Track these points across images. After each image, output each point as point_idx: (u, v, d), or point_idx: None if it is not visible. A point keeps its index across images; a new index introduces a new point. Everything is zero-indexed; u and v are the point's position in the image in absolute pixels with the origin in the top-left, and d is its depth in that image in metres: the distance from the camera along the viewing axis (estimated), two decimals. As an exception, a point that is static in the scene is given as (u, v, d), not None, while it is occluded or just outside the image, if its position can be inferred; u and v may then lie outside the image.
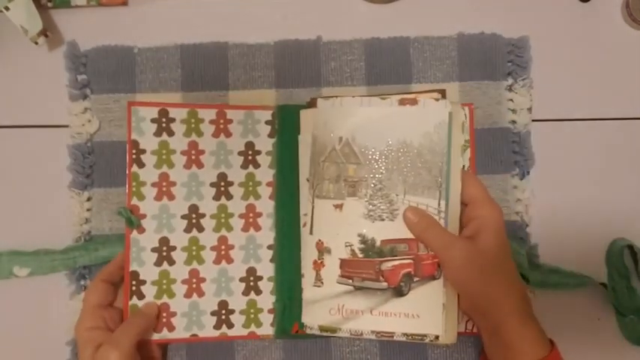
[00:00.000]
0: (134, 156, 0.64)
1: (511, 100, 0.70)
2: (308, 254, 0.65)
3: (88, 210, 0.68)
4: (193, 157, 0.65)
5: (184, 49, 0.69)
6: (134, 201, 0.64)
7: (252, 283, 0.65)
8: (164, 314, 0.64)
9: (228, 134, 0.66)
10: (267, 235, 0.66)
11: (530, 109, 0.70)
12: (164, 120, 0.65)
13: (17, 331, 0.68)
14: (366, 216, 0.62)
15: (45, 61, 0.70)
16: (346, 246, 0.62)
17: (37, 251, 0.67)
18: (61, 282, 0.68)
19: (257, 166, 0.66)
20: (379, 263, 0.61)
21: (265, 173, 0.66)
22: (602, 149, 0.71)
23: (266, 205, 0.66)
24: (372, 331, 0.62)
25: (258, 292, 0.65)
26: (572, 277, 0.69)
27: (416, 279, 0.61)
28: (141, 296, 0.63)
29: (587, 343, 0.70)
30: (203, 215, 0.65)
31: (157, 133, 0.65)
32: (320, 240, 0.63)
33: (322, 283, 0.63)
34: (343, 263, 0.62)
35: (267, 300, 0.65)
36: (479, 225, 0.59)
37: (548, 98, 0.70)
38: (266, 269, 0.66)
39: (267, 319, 0.65)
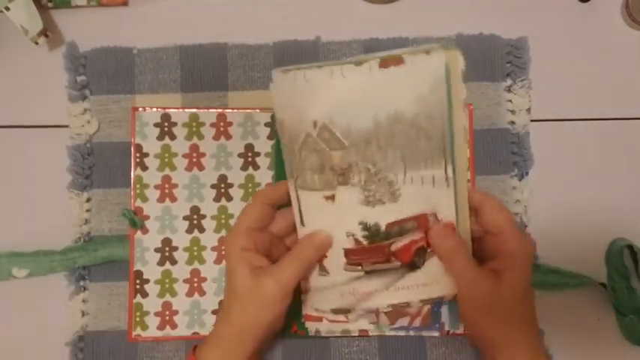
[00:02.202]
0: (138, 159, 0.75)
1: (510, 100, 0.77)
2: None
3: (87, 211, 0.76)
4: (194, 159, 0.75)
5: (184, 50, 0.77)
6: (138, 203, 0.74)
7: (252, 283, 0.75)
8: (167, 312, 0.74)
9: (229, 137, 0.75)
10: (266, 235, 0.76)
11: (529, 110, 0.77)
12: (166, 124, 0.75)
13: (16, 333, 0.75)
14: (364, 202, 0.61)
15: (45, 62, 0.77)
16: (348, 236, 0.63)
17: (36, 252, 0.74)
18: (60, 283, 0.75)
19: (256, 167, 0.76)
20: (388, 246, 0.63)
21: (264, 175, 0.75)
22: (602, 149, 0.77)
23: (265, 206, 0.76)
24: (389, 305, 0.65)
25: (258, 291, 0.75)
26: (572, 277, 0.75)
27: (429, 249, 0.64)
28: (144, 294, 0.74)
29: (587, 343, 0.76)
30: (204, 216, 0.75)
31: (160, 137, 0.75)
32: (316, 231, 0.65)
33: (327, 272, 0.66)
34: (348, 252, 0.64)
35: (266, 300, 0.75)
36: (507, 263, 0.63)
37: (548, 99, 0.77)
38: (266, 269, 0.76)
39: (266, 319, 0.75)
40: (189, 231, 0.75)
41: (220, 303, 0.74)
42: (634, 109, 0.78)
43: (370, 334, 0.74)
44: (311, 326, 0.74)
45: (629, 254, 0.77)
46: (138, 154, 0.75)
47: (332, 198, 0.62)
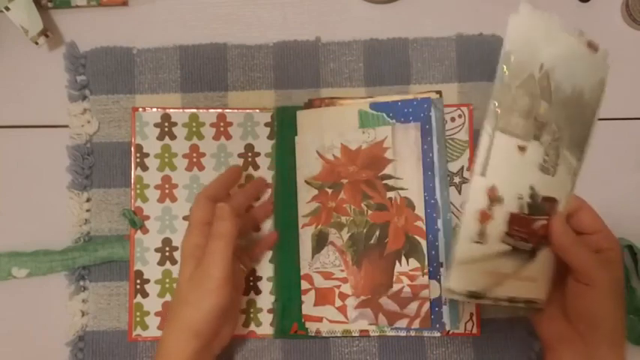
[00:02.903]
0: (138, 159, 0.75)
1: (511, 100, 0.78)
2: (474, 202, 0.60)
3: (87, 211, 0.76)
4: (194, 159, 0.76)
5: (183, 49, 0.78)
6: (138, 203, 0.75)
7: (251, 283, 0.75)
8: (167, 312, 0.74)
9: (229, 137, 0.76)
10: (266, 235, 0.77)
11: (529, 110, 0.78)
12: (166, 124, 0.76)
13: (17, 332, 0.76)
14: (541, 166, 0.61)
15: (45, 62, 0.78)
16: (518, 198, 0.60)
17: (35, 252, 0.75)
18: (60, 283, 0.75)
19: (256, 167, 0.76)
20: (533, 222, 0.62)
21: (264, 175, 0.76)
22: (602, 149, 0.76)
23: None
24: (507, 298, 0.62)
25: (258, 291, 0.75)
26: (573, 277, 0.76)
27: (543, 241, 0.63)
28: (145, 294, 0.74)
29: (587, 343, 0.78)
30: (204, 216, 0.75)
31: (160, 137, 0.76)
32: (494, 186, 0.60)
33: (486, 240, 0.60)
34: (512, 218, 0.61)
35: (266, 300, 0.75)
36: (611, 256, 0.64)
37: (548, 99, 0.79)
38: (265, 269, 0.76)
39: (266, 318, 0.75)
40: (189, 231, 0.75)
41: None
42: (634, 109, 0.79)
43: (371, 334, 0.74)
44: (311, 326, 0.74)
45: (629, 254, 0.77)
46: (138, 154, 0.76)
47: (524, 150, 0.60)
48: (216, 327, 0.66)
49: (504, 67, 0.59)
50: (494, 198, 0.59)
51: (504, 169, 0.60)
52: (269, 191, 0.77)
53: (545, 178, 0.61)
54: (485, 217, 0.59)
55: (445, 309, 0.73)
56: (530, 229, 0.61)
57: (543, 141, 0.60)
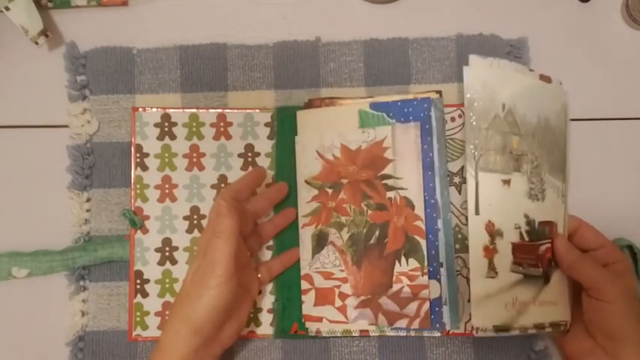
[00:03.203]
0: (138, 159, 0.76)
1: (511, 101, 0.79)
2: (475, 239, 0.66)
3: (87, 211, 0.77)
4: (195, 159, 0.76)
5: (183, 49, 0.78)
6: (138, 203, 0.75)
7: (251, 283, 0.76)
8: (167, 312, 0.74)
9: (229, 137, 0.76)
10: (266, 235, 0.77)
11: (529, 110, 0.78)
12: (166, 124, 0.76)
13: (16, 333, 0.76)
14: (528, 194, 0.66)
15: (45, 62, 0.78)
16: (515, 228, 0.65)
17: (35, 252, 0.75)
18: (60, 283, 0.76)
19: (257, 167, 0.76)
20: (538, 247, 0.66)
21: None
22: (602, 149, 0.78)
23: (265, 206, 0.77)
24: (533, 325, 0.65)
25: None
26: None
27: (553, 264, 0.67)
28: (144, 294, 0.74)
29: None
30: (204, 216, 0.76)
31: (160, 137, 0.76)
32: (490, 221, 0.65)
33: (496, 273, 0.65)
34: (515, 248, 0.65)
35: (266, 300, 0.75)
36: (619, 268, 0.67)
37: (548, 99, 0.78)
38: (266, 269, 0.76)
39: (266, 318, 0.75)
40: (189, 231, 0.76)
41: None
42: (634, 109, 0.79)
43: (371, 334, 0.74)
44: (311, 326, 0.75)
45: (629, 254, 0.76)
46: (138, 154, 0.76)
47: (508, 183, 0.65)
48: (217, 325, 0.66)
49: (470, 113, 0.66)
50: (493, 232, 0.65)
51: (495, 203, 0.65)
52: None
53: (536, 204, 0.66)
54: (489, 252, 0.65)
55: (445, 309, 0.73)
56: (536, 254, 0.66)
57: (524, 171, 0.66)
